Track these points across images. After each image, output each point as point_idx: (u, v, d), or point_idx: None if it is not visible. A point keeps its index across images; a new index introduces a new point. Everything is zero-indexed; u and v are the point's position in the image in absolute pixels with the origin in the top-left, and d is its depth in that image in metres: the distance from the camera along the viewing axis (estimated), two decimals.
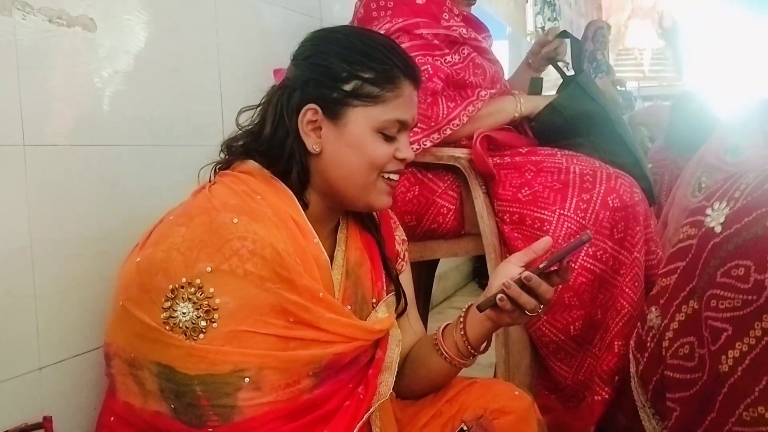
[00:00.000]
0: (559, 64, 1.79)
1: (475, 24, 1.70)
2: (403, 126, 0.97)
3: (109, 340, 0.92)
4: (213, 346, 0.81)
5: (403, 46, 1.48)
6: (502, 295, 0.93)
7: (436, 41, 1.53)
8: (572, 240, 0.96)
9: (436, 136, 1.49)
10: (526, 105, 1.61)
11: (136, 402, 0.86)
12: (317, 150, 0.95)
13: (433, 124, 1.49)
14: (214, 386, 0.81)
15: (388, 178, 0.98)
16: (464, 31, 1.60)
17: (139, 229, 1.21)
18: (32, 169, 1.06)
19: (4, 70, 1.01)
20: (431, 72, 1.49)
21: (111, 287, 1.14)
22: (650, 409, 1.15)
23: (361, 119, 0.94)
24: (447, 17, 1.61)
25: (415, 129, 1.41)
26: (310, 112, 0.94)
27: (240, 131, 1.02)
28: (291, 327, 0.85)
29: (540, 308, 0.94)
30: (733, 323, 0.92)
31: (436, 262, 1.96)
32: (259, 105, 1.04)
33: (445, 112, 1.50)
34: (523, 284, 0.93)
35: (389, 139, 0.96)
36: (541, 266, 0.94)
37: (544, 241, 0.99)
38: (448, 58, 1.54)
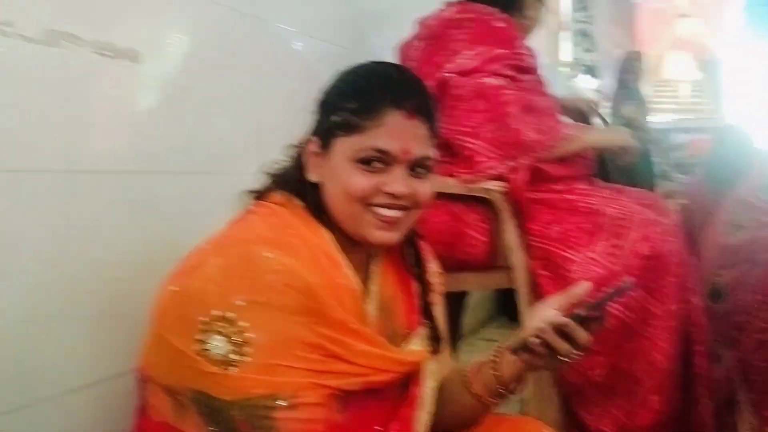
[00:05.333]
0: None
1: (535, 55, 1.73)
2: (389, 157, 0.93)
3: (145, 365, 0.93)
4: (246, 375, 0.82)
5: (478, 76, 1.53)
6: (536, 338, 0.93)
7: (509, 72, 1.57)
8: (612, 287, 0.95)
9: (511, 163, 1.52)
10: (601, 139, 1.64)
11: (171, 419, 0.87)
12: (315, 180, 0.96)
13: (511, 149, 1.51)
14: (251, 410, 0.82)
15: (378, 212, 0.94)
16: (531, 60, 1.63)
17: (173, 254, 1.24)
18: (74, 194, 1.09)
19: (52, 99, 1.05)
20: (508, 99, 1.52)
21: (143, 311, 1.17)
22: None
23: (341, 149, 0.94)
24: (519, 44, 1.65)
25: (488, 153, 1.47)
26: (311, 144, 0.97)
27: (283, 161, 1.03)
28: (324, 361, 0.86)
29: (575, 354, 0.93)
30: None
31: (465, 292, 1.96)
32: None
33: (529, 137, 1.52)
34: (558, 329, 0.92)
35: (373, 171, 0.93)
36: (578, 312, 0.92)
37: (582, 286, 0.97)
38: (523, 85, 1.58)
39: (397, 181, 0.93)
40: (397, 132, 0.93)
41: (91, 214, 1.13)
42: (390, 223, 0.95)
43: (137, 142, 1.22)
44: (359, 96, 0.95)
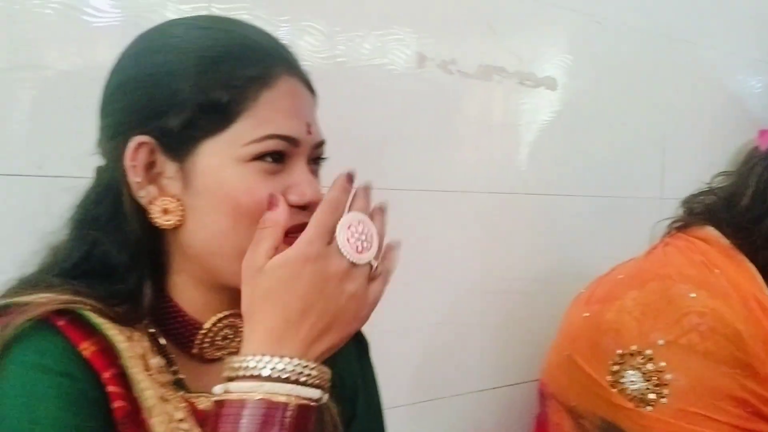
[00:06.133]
0: None
1: None
2: None
3: (547, 381, 0.98)
4: (664, 418, 0.80)
5: None
6: None
7: None
8: None
9: None
10: None
11: None
12: None
13: None
14: None
15: None
16: None
17: (569, 274, 1.28)
18: (492, 213, 1.20)
19: (482, 127, 1.17)
20: None
21: (541, 326, 1.22)
22: None
23: None
24: None
25: None
26: None
27: (705, 190, 0.97)
28: (748, 418, 0.79)
29: None
30: None
31: None
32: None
33: None
34: None
35: None
36: None
37: None
38: None
39: None
40: None
41: (506, 232, 1.22)
42: None
43: (546, 165, 1.28)
44: None
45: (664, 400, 0.79)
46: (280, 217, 0.54)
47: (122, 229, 0.56)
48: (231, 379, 0.50)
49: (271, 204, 0.54)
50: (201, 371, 0.61)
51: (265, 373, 0.49)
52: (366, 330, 0.76)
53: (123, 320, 0.55)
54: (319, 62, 0.97)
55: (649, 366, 0.80)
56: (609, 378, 0.83)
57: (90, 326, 0.53)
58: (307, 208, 0.58)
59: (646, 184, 1.46)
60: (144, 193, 0.56)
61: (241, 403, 0.48)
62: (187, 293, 0.60)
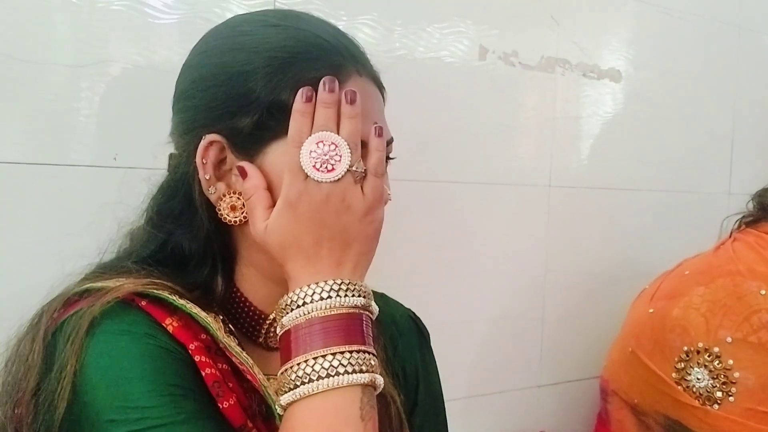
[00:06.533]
0: None
1: None
2: None
3: (608, 378, 0.96)
4: (731, 416, 0.78)
5: None
6: None
7: None
8: None
9: None
10: None
11: None
12: None
13: None
14: None
15: None
16: None
17: (632, 270, 1.25)
18: (554, 207, 1.18)
19: (544, 119, 1.16)
20: None
21: (603, 322, 1.20)
22: None
23: None
24: None
25: None
26: None
27: None
28: None
29: None
30: None
31: None
32: None
33: None
34: None
35: None
36: None
37: None
38: None
39: None
40: None
41: (566, 226, 1.21)
42: None
43: (609, 158, 1.26)
44: None
45: (731, 399, 0.77)
46: (256, 181, 0.55)
47: (194, 223, 0.58)
48: (282, 317, 0.54)
49: (242, 175, 0.56)
50: (266, 357, 0.63)
51: (308, 300, 0.53)
52: (426, 321, 0.77)
53: (197, 305, 0.57)
54: (378, 55, 0.97)
55: (717, 363, 0.78)
56: (674, 375, 0.82)
57: (171, 306, 0.55)
58: None
59: (713, 179, 1.42)
60: (213, 190, 0.58)
61: (307, 323, 0.52)
62: (253, 285, 0.62)
